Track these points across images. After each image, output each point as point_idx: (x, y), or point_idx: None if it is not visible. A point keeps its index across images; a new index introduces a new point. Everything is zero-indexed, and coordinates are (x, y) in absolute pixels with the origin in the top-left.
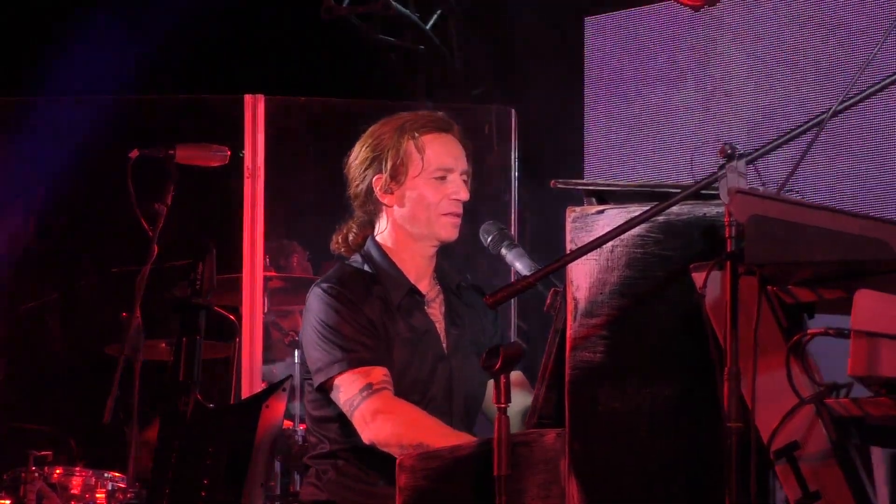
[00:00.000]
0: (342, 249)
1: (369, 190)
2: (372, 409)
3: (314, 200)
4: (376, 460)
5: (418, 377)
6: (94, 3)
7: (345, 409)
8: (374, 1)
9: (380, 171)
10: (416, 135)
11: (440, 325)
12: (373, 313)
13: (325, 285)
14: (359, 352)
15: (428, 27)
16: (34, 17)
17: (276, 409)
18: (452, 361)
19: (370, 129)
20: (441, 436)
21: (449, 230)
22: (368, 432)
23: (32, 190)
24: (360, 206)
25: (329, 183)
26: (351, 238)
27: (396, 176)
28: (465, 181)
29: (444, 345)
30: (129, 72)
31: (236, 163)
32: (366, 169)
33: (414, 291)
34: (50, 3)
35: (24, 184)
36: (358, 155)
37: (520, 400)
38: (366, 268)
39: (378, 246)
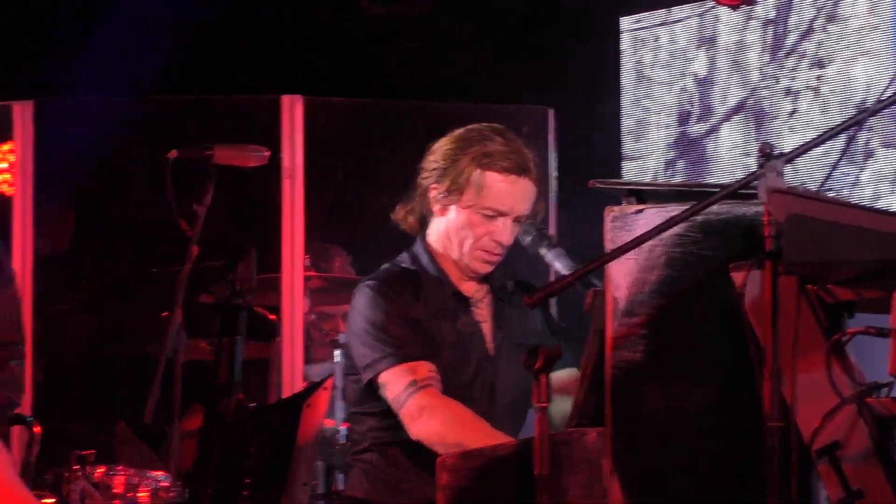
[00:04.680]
0: (402, 224)
1: (426, 190)
2: (418, 406)
3: (352, 200)
4: (406, 456)
5: (463, 379)
6: (132, 2)
7: (393, 406)
8: (412, 1)
9: (439, 182)
10: (484, 169)
11: (486, 326)
12: (418, 314)
13: (371, 283)
14: (406, 347)
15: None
16: (73, 16)
17: (318, 408)
18: (497, 363)
19: (458, 133)
20: (482, 436)
21: (479, 265)
22: (414, 428)
23: (71, 190)
24: (419, 196)
25: (366, 183)
26: (410, 220)
27: (450, 194)
28: (517, 222)
29: (490, 346)
30: (168, 72)
31: (275, 163)
32: (431, 170)
33: (458, 295)
34: (89, 3)
35: (63, 184)
36: (434, 152)
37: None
38: (412, 268)
39: (426, 247)
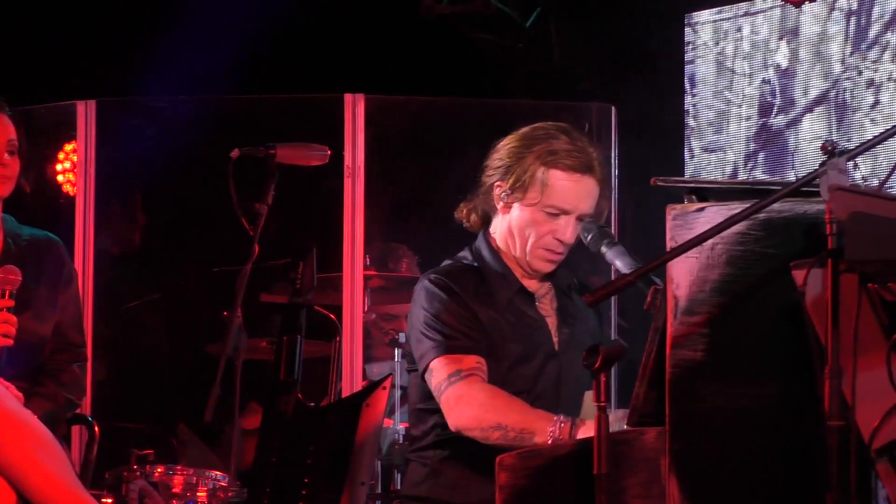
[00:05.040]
0: (465, 222)
1: (490, 187)
2: (456, 395)
3: (414, 199)
4: (469, 453)
5: (528, 373)
6: (195, 4)
7: (435, 396)
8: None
9: (503, 179)
10: (549, 167)
11: (551, 321)
12: (479, 309)
13: (433, 276)
14: (457, 339)
15: (527, 25)
16: (136, 17)
17: (377, 407)
18: (562, 359)
19: (523, 131)
20: (519, 414)
21: (541, 264)
22: (452, 418)
23: (135, 189)
24: (483, 194)
25: (429, 182)
26: (472, 218)
27: (514, 192)
28: (580, 221)
29: (556, 341)
30: (230, 72)
31: (337, 162)
32: (496, 168)
33: (522, 290)
34: (152, 4)
35: (127, 183)
36: (499, 150)
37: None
38: (474, 265)
39: (489, 244)
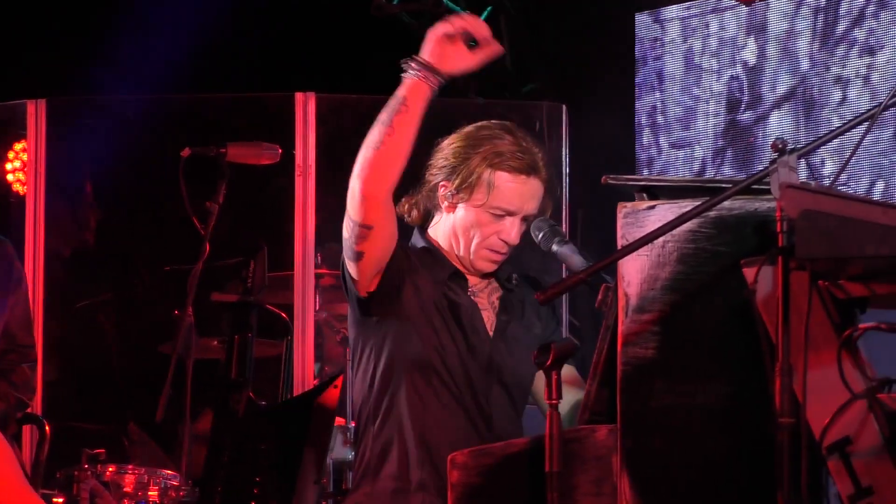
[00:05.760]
0: (406, 218)
1: (435, 187)
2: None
3: None
4: (408, 454)
5: (454, 351)
6: (146, 2)
7: (350, 238)
8: None
9: (448, 180)
10: (495, 169)
11: (487, 314)
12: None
13: None
14: None
15: None
16: (87, 16)
17: (328, 406)
18: (497, 345)
19: (468, 131)
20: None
21: (484, 264)
22: (356, 181)
23: (86, 188)
24: (426, 192)
25: None
26: (414, 214)
27: (460, 193)
28: (524, 221)
29: (488, 325)
30: (181, 70)
31: (288, 161)
32: (440, 168)
33: (457, 273)
34: (103, 3)
35: (79, 182)
36: (444, 149)
37: (571, 396)
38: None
39: (427, 239)
